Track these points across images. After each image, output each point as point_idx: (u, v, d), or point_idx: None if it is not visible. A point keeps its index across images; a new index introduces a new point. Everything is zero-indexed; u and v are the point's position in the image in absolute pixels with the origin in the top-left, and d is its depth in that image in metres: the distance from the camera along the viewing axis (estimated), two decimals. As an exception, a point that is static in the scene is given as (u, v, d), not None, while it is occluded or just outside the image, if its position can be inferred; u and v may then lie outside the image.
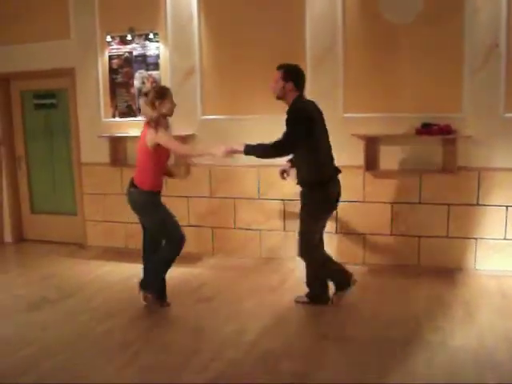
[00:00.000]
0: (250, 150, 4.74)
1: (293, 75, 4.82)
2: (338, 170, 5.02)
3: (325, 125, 4.91)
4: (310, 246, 5.01)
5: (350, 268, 5.97)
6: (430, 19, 5.74)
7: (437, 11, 5.73)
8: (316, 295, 5.18)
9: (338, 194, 5.02)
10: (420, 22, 5.76)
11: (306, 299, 5.21)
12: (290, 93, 4.81)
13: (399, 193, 6.04)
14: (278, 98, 4.90)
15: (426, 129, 5.72)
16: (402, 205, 6.05)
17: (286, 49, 6.22)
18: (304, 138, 4.65)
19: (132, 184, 5.01)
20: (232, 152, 4.81)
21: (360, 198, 6.16)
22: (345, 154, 6.07)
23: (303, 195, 4.99)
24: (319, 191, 4.85)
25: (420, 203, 6.00)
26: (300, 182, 4.98)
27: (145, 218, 5.13)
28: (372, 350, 4.19)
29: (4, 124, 7.74)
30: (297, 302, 5.23)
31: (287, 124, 4.66)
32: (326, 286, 5.18)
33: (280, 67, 4.88)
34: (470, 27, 5.66)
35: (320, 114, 4.92)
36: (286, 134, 4.65)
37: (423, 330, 4.52)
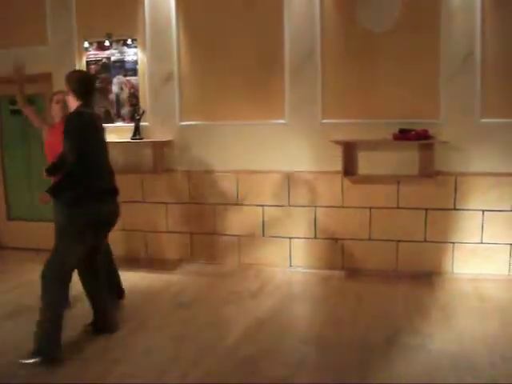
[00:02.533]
0: (56, 191, 4.24)
1: (70, 84, 4.44)
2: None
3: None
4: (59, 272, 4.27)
5: (328, 273, 6.04)
6: (406, 27, 5.80)
7: (413, 19, 5.79)
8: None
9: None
10: (397, 29, 5.83)
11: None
12: (72, 102, 4.46)
13: (377, 198, 6.08)
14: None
15: (404, 134, 5.77)
16: (380, 210, 6.08)
17: (264, 55, 6.26)
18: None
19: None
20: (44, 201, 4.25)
21: (338, 203, 6.19)
22: (323, 159, 6.14)
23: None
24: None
25: (398, 208, 6.04)
26: None
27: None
28: (352, 354, 4.21)
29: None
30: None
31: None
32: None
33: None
34: (445, 34, 5.73)
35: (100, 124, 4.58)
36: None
37: (402, 333, 4.54)
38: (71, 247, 4.26)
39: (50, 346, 4.17)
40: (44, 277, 4.21)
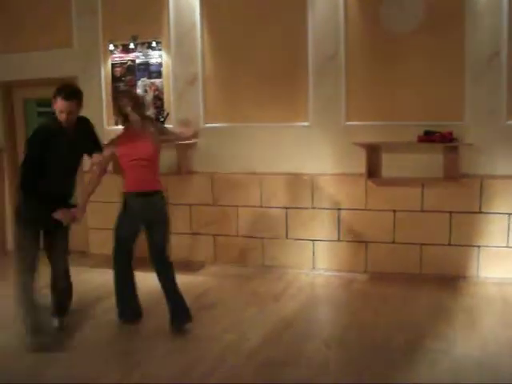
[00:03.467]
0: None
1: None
2: None
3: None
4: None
5: (351, 276, 6.01)
6: (431, 28, 5.76)
7: (438, 20, 5.75)
8: None
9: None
10: (421, 30, 5.78)
11: None
12: None
13: (401, 201, 6.03)
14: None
15: (428, 136, 5.72)
16: (404, 212, 6.04)
17: (288, 57, 6.26)
18: None
19: (155, 191, 4.87)
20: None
21: (362, 205, 6.16)
22: (347, 161, 6.12)
23: None
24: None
25: (422, 211, 5.99)
26: None
27: (165, 228, 5.03)
28: (375, 357, 4.18)
29: (7, 131, 7.75)
30: None
31: None
32: None
33: (70, 96, 4.48)
34: (471, 35, 5.68)
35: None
36: None
37: (426, 337, 4.51)
38: None
39: None
40: None
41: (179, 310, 4.83)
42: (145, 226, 4.92)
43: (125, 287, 5.05)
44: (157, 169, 4.92)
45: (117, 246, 5.03)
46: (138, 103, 4.88)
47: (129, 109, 4.78)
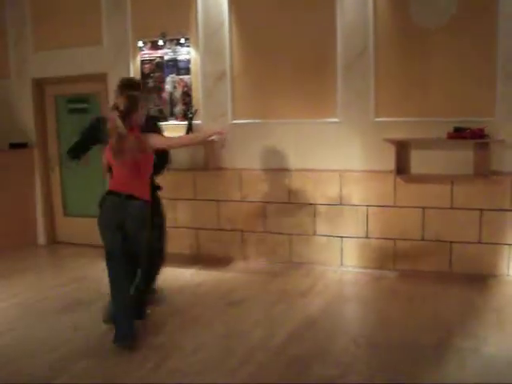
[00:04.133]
0: None
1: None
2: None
3: None
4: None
5: (380, 273, 5.98)
6: (462, 22, 5.69)
7: (469, 14, 5.67)
8: None
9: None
10: (452, 25, 5.72)
11: None
12: None
13: (430, 198, 5.98)
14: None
15: (458, 133, 5.66)
16: (434, 210, 5.99)
17: (316, 53, 6.24)
18: None
19: (129, 196, 4.42)
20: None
21: (391, 202, 6.12)
22: (375, 158, 6.09)
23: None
24: None
25: (452, 208, 5.93)
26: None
27: (142, 234, 4.57)
28: (403, 356, 4.16)
29: (38, 128, 7.87)
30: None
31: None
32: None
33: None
34: (503, 30, 5.58)
35: None
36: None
37: (455, 336, 4.47)
38: None
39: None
40: None
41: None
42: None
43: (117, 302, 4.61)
44: (142, 176, 4.55)
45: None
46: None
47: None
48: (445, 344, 4.32)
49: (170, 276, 5.25)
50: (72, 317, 5.11)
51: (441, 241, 5.98)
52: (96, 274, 6.31)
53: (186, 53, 6.82)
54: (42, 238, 8.05)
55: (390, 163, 5.96)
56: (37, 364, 4.20)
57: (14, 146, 7.79)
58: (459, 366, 3.96)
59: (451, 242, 5.97)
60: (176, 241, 6.92)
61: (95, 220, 4.55)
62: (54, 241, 8.07)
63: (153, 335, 4.69)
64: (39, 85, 7.79)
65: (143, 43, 6.98)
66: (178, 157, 6.90)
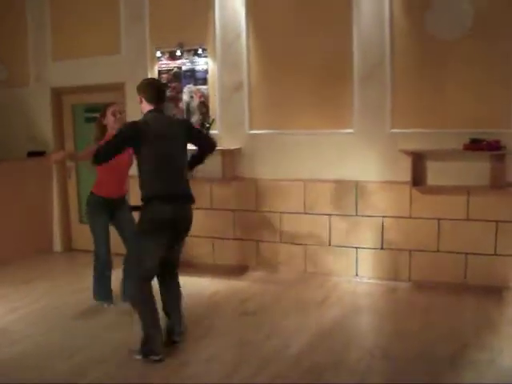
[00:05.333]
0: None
1: (141, 89, 4.57)
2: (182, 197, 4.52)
3: (177, 141, 4.49)
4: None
5: (394, 285, 5.97)
6: (478, 34, 5.69)
7: (486, 26, 5.68)
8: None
9: (172, 220, 4.40)
10: (469, 37, 5.72)
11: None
12: (144, 108, 4.56)
13: (446, 209, 5.97)
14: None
15: (475, 144, 5.66)
16: (449, 221, 5.98)
17: (333, 64, 6.26)
18: (116, 152, 4.40)
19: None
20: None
21: (406, 213, 6.11)
22: (391, 169, 6.10)
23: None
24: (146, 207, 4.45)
25: (467, 220, 5.92)
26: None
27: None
28: (419, 367, 4.15)
29: (56, 136, 7.95)
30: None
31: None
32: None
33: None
34: (520, 42, 5.60)
35: (168, 128, 4.51)
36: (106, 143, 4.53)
37: (470, 348, 4.45)
38: None
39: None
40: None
41: None
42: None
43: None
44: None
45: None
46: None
47: None
48: (460, 356, 4.31)
49: (186, 284, 5.25)
50: (88, 323, 5.16)
51: (456, 252, 5.96)
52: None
53: (203, 63, 6.87)
54: (57, 245, 8.11)
55: (406, 174, 5.97)
56: (57, 369, 4.25)
57: (32, 154, 7.87)
58: (475, 378, 3.95)
59: (466, 254, 5.95)
60: (192, 249, 6.97)
61: (111, 227, 4.65)
62: (69, 248, 8.13)
63: (165, 344, 4.71)
64: (57, 94, 7.88)
65: (161, 53, 7.05)
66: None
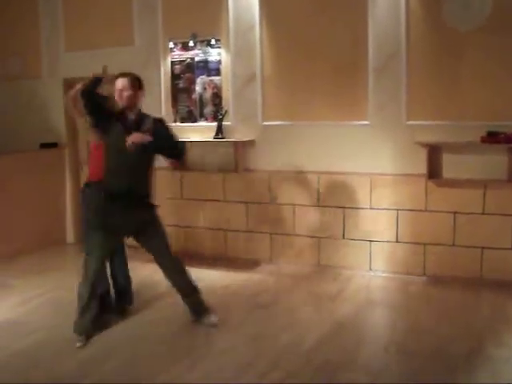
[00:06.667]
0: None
1: (141, 83, 4.67)
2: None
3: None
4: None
5: (409, 279, 5.89)
6: (496, 25, 5.58)
7: (503, 16, 5.57)
8: None
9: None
10: (486, 26, 5.61)
11: None
12: (139, 102, 4.63)
13: (462, 202, 5.89)
14: (126, 107, 4.56)
15: (492, 137, 5.56)
16: (465, 215, 5.89)
17: (347, 55, 6.19)
18: (92, 103, 4.57)
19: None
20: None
21: (422, 207, 6.03)
22: (407, 162, 6.02)
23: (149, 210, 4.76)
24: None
25: (484, 213, 5.83)
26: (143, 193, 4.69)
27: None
28: (434, 364, 4.10)
29: (69, 128, 7.93)
30: None
31: (171, 133, 4.70)
32: None
33: (125, 75, 4.66)
34: (539, 33, 5.49)
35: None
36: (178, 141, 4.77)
37: (487, 344, 4.39)
38: None
39: None
40: None
41: None
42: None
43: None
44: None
45: None
46: None
47: None
48: (476, 352, 4.26)
49: (198, 277, 5.22)
50: (101, 316, 5.13)
51: (472, 246, 5.89)
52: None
53: (216, 54, 6.81)
54: (70, 237, 8.11)
55: (422, 167, 5.89)
56: (65, 364, 4.23)
57: (45, 145, 7.86)
58: (491, 375, 3.90)
59: (483, 248, 5.87)
60: (205, 242, 6.95)
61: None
62: (82, 239, 8.11)
63: (181, 337, 4.69)
64: (70, 85, 7.82)
65: (174, 44, 7.00)
66: (208, 159, 6.94)
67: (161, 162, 6.98)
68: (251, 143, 6.70)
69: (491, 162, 5.75)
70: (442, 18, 5.76)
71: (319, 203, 6.48)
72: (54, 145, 7.89)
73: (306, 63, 6.39)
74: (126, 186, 4.47)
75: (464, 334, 4.63)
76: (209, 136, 6.78)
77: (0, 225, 6.99)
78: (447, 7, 5.75)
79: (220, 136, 6.69)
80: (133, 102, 4.57)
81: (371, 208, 6.24)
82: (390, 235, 6.20)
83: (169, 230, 6.73)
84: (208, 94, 6.91)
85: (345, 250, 6.42)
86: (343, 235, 6.43)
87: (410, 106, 5.99)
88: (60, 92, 7.83)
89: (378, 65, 6.06)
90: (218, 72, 6.85)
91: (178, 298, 4.98)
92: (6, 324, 5.04)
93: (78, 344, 4.50)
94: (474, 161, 5.83)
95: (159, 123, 4.67)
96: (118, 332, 4.81)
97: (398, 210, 6.13)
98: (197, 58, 6.93)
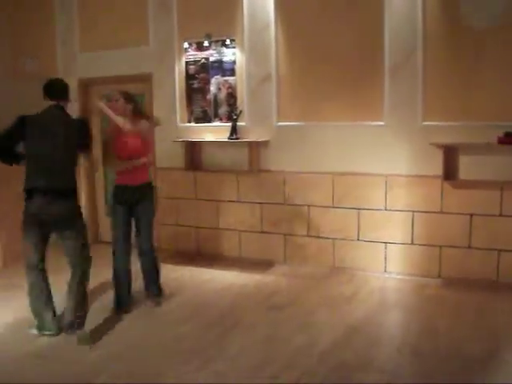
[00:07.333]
0: None
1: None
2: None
3: (54, 134, 4.71)
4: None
5: (424, 281, 5.84)
6: (514, 24, 5.53)
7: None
8: None
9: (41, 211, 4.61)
10: (503, 26, 5.55)
11: None
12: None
13: (479, 204, 5.82)
14: None
15: (510, 138, 5.50)
16: (482, 216, 5.82)
17: (363, 54, 6.15)
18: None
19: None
20: None
21: (437, 208, 5.97)
22: (423, 163, 5.97)
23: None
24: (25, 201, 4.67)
25: (501, 215, 5.76)
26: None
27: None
28: (448, 366, 4.06)
29: (84, 127, 7.95)
30: None
31: None
32: None
33: None
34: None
35: (49, 122, 4.81)
36: None
37: (502, 347, 4.34)
38: None
39: None
40: None
41: None
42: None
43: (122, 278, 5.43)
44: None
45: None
46: None
47: None
48: (492, 356, 4.20)
49: (212, 278, 5.21)
50: (111, 318, 5.13)
51: (489, 249, 5.82)
52: (137, 274, 6.33)
53: (231, 54, 6.79)
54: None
55: (438, 168, 5.84)
56: (77, 364, 4.23)
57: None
58: (506, 380, 3.85)
59: (499, 251, 5.80)
60: (218, 242, 6.93)
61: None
62: (96, 240, 8.13)
63: (195, 338, 4.67)
64: (85, 85, 7.86)
65: (189, 44, 6.99)
66: (220, 159, 6.92)
67: (170, 162, 7.02)
68: (266, 144, 6.68)
69: (508, 163, 5.68)
70: (458, 16, 5.70)
71: (334, 204, 6.44)
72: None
73: (320, 63, 6.35)
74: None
75: (479, 336, 4.57)
76: (223, 136, 6.76)
77: (11, 224, 6.99)
78: (465, 5, 5.68)
79: (234, 136, 6.67)
80: None
81: (386, 209, 6.19)
82: (405, 237, 6.15)
83: (183, 230, 6.77)
84: (222, 95, 6.90)
85: (359, 251, 6.38)
86: (358, 236, 6.38)
87: (425, 107, 5.94)
88: (75, 92, 7.82)
89: (393, 64, 6.01)
90: (232, 72, 6.83)
91: (186, 298, 4.97)
92: (17, 325, 5.04)
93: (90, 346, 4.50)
94: (490, 162, 5.76)
95: None
96: (129, 332, 4.81)
97: (413, 211, 6.07)
98: (211, 58, 6.91)
